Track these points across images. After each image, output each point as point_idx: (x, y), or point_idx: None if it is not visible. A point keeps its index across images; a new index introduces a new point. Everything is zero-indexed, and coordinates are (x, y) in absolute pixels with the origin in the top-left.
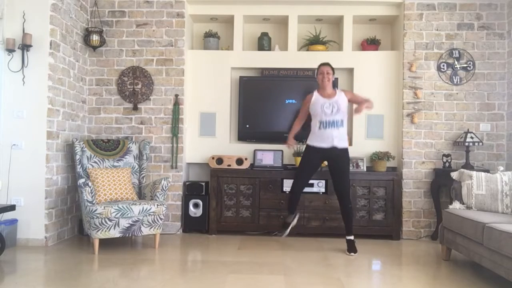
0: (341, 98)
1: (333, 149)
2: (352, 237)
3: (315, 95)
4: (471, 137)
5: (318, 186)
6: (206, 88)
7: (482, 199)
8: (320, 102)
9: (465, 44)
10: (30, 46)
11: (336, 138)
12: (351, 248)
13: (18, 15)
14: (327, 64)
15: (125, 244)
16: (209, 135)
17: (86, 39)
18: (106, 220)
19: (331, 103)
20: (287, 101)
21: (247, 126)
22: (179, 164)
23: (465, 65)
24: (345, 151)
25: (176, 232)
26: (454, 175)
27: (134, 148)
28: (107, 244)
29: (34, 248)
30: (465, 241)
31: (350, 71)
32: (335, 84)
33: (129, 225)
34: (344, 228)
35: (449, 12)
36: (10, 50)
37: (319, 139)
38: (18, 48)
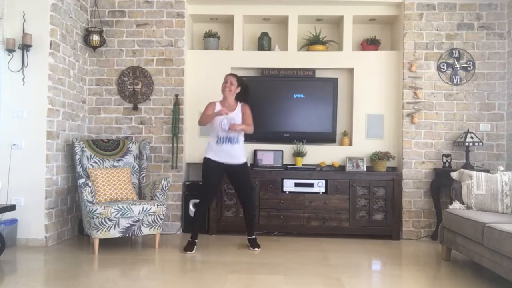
0: (238, 115)
1: (231, 165)
2: (254, 236)
3: (217, 106)
4: (471, 137)
5: (318, 186)
6: (206, 88)
7: (482, 199)
8: (220, 117)
9: (465, 44)
10: (30, 46)
11: (232, 155)
12: (254, 244)
13: (18, 15)
14: (234, 75)
15: (125, 244)
16: (209, 135)
17: (86, 39)
18: (106, 220)
19: (229, 119)
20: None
21: None
22: (179, 164)
23: (465, 65)
24: (243, 165)
25: (176, 232)
26: (454, 175)
27: (134, 148)
28: (107, 244)
29: (34, 248)
30: (465, 241)
31: (350, 71)
32: (243, 96)
33: (129, 225)
34: (247, 230)
35: (449, 12)
36: (10, 50)
37: (217, 154)
38: (18, 48)
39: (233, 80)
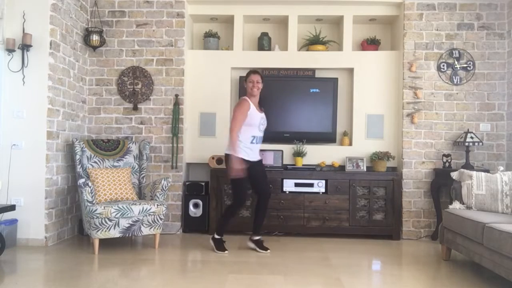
0: (264, 115)
1: (256, 161)
2: (261, 237)
3: (251, 106)
4: (471, 137)
5: (318, 186)
6: (206, 88)
7: (482, 199)
8: (258, 115)
9: (465, 44)
10: (30, 46)
11: (256, 153)
12: (263, 246)
13: (18, 15)
14: (257, 73)
15: (125, 244)
16: (209, 135)
17: (86, 39)
18: (106, 220)
19: (263, 118)
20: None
21: None
22: (179, 164)
23: (465, 65)
24: (260, 159)
25: (176, 232)
26: (454, 175)
27: (134, 148)
28: (107, 244)
29: (34, 248)
30: (465, 241)
31: (350, 71)
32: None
33: (129, 225)
34: (256, 227)
35: (449, 12)
36: (10, 50)
37: (250, 153)
38: (18, 48)
39: (259, 78)
